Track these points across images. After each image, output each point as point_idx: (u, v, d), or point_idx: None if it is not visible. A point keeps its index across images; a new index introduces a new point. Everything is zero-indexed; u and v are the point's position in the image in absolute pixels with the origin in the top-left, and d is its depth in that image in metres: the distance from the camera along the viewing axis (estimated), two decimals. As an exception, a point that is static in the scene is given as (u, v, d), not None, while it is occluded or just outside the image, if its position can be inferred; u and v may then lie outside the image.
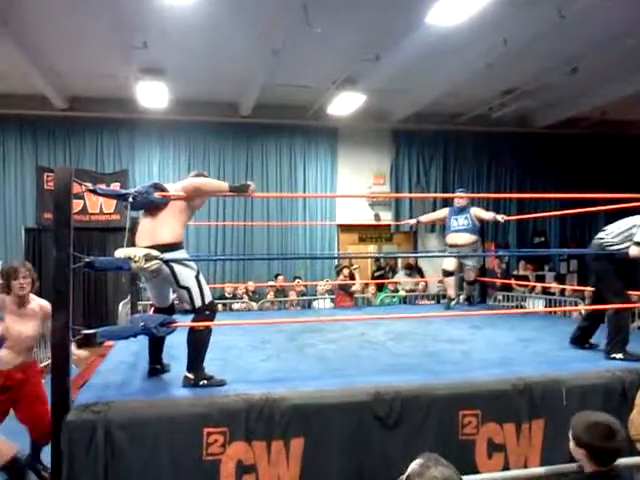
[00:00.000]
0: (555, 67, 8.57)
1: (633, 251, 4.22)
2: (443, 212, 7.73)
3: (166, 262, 3.49)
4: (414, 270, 11.18)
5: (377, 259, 11.81)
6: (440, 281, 10.78)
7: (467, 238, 7.18)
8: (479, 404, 3.37)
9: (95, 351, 5.14)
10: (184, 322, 3.62)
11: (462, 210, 7.32)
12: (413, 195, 12.43)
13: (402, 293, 9.68)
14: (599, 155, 12.22)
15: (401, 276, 11.04)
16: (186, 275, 3.55)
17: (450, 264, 7.45)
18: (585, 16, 6.67)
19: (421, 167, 12.10)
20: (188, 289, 3.55)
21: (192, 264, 3.64)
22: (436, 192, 11.98)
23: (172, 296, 3.93)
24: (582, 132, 12.00)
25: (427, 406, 3.31)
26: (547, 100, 10.57)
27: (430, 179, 12.10)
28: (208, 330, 3.56)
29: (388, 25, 7.19)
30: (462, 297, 7.79)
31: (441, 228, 11.99)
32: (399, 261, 11.65)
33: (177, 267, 3.53)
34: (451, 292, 7.43)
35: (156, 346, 3.83)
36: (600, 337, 4.56)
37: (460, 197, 7.54)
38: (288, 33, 7.14)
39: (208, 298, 3.62)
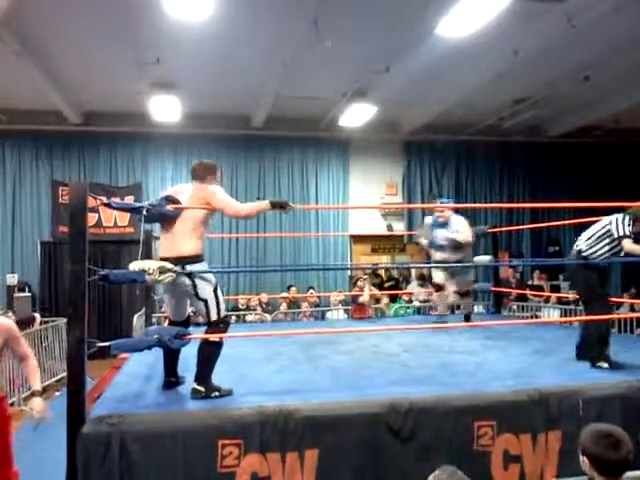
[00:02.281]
0: (567, 76, 8.55)
1: (627, 245, 4.29)
2: (427, 224, 6.85)
3: (188, 274, 3.52)
4: (427, 280, 11.13)
5: (387, 270, 11.79)
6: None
7: (453, 255, 6.46)
8: (494, 415, 3.34)
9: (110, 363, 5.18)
10: (198, 334, 3.63)
11: (444, 225, 6.55)
12: (425, 205, 12.41)
13: (416, 304, 9.64)
14: (613, 163, 12.15)
15: (414, 287, 10.99)
16: (205, 288, 3.58)
17: (440, 277, 6.72)
18: (596, 25, 6.65)
19: (433, 177, 12.11)
20: (206, 302, 3.59)
21: (211, 277, 3.67)
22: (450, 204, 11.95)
23: (189, 309, 3.95)
24: (595, 140, 11.95)
25: (442, 418, 3.29)
26: (559, 109, 10.55)
27: (442, 189, 12.10)
28: (220, 343, 3.59)
29: (398, 37, 7.22)
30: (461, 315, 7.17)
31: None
32: (412, 272, 11.62)
33: (198, 279, 3.56)
34: (442, 308, 6.86)
35: (171, 359, 3.85)
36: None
37: (443, 207, 6.69)
38: (298, 46, 7.20)
39: (223, 312, 3.66)
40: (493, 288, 7.68)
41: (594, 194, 9.55)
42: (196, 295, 3.58)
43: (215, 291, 3.63)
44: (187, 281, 3.54)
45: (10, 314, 8.75)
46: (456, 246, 6.42)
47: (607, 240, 4.39)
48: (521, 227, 11.28)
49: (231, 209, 3.75)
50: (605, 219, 4.50)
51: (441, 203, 7.27)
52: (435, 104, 9.95)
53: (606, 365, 4.20)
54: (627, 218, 4.36)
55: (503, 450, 3.31)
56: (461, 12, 5.97)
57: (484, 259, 7.64)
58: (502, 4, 5.84)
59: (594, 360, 4.26)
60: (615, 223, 4.38)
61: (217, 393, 3.50)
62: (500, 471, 3.29)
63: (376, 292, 8.77)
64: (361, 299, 8.14)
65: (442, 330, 6.07)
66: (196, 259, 3.61)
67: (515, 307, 8.97)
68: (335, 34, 6.99)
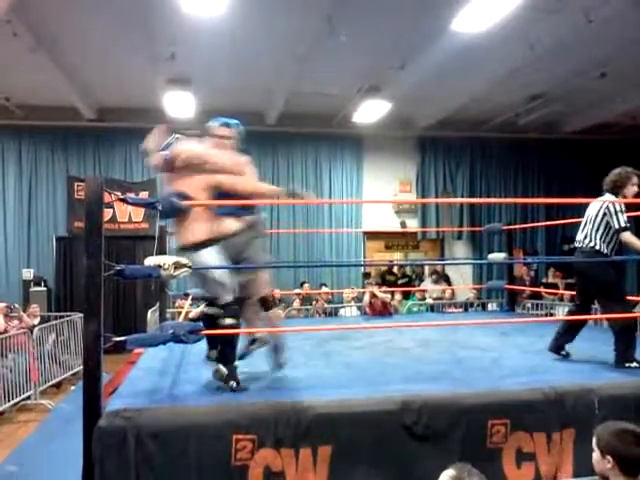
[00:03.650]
0: (583, 72, 8.48)
1: (625, 237, 4.19)
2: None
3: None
4: (441, 278, 11.10)
5: (401, 267, 11.77)
6: (476, 289, 10.53)
7: (228, 226, 3.82)
8: (508, 413, 3.32)
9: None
10: (212, 330, 3.64)
11: None
12: (439, 200, 12.38)
13: (429, 301, 9.61)
14: (629, 160, 11.75)
15: (428, 284, 10.97)
16: (214, 274, 3.61)
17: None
18: (613, 20, 6.59)
19: (447, 174, 12.07)
20: (223, 285, 3.64)
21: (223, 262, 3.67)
22: (463, 199, 11.92)
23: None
24: (611, 137, 11.84)
25: (455, 415, 3.28)
26: (575, 105, 10.46)
27: (457, 186, 12.06)
28: (238, 322, 3.65)
29: (413, 33, 7.20)
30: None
31: (468, 235, 11.93)
32: (426, 268, 11.58)
33: (205, 263, 3.58)
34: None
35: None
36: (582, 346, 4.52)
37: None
38: (313, 42, 7.20)
39: (235, 294, 3.72)
40: (507, 286, 7.63)
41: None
42: (213, 277, 3.61)
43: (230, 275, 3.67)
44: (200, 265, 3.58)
45: (36, 306, 8.87)
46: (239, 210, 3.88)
47: (611, 231, 4.26)
48: (536, 224, 11.20)
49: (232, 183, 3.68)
50: (596, 208, 4.35)
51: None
52: (450, 100, 9.90)
53: (635, 364, 4.10)
54: (620, 207, 4.24)
55: (516, 448, 3.29)
56: (476, 7, 5.95)
57: (498, 256, 7.60)
58: (518, -1, 5.81)
59: (624, 361, 4.14)
60: (610, 213, 4.23)
61: (234, 384, 3.51)
62: (513, 469, 3.27)
63: (381, 294, 8.44)
64: (364, 299, 8.10)
65: (456, 327, 6.04)
66: (204, 244, 3.60)
67: (529, 305, 8.92)
68: (349, 30, 6.98)
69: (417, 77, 8.52)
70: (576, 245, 4.57)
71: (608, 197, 4.37)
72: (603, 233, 4.30)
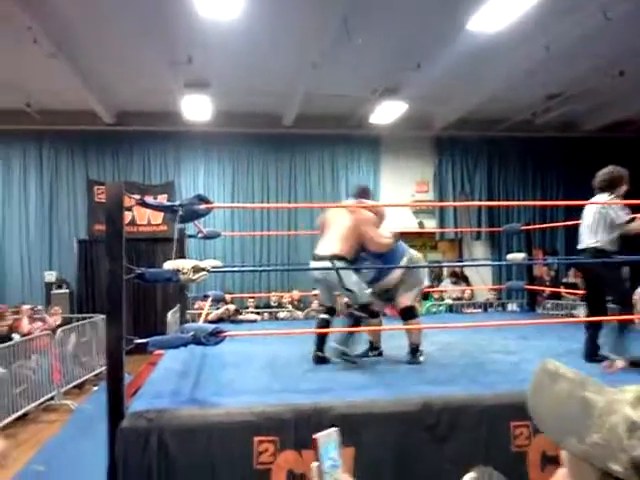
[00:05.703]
0: (601, 70, 8.39)
1: (637, 225, 4.25)
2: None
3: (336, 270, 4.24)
4: (460, 278, 11.05)
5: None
6: (496, 289, 10.49)
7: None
8: (529, 415, 3.30)
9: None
10: (234, 332, 3.67)
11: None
12: (457, 203, 12.31)
13: (448, 302, 9.56)
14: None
15: (447, 284, 10.92)
16: (351, 281, 4.25)
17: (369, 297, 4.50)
18: (632, 17, 6.53)
19: (465, 174, 12.01)
20: (353, 292, 4.25)
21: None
22: (480, 199, 11.86)
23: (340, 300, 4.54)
24: (630, 135, 11.70)
25: (477, 417, 3.27)
26: (593, 104, 10.36)
27: (474, 186, 11.99)
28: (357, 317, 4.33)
29: (429, 33, 7.18)
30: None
31: (487, 235, 11.85)
32: (444, 269, 11.53)
33: (343, 273, 4.23)
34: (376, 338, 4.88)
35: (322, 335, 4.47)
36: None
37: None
38: (329, 44, 7.20)
39: (367, 299, 4.34)
40: (527, 286, 7.58)
41: (630, 190, 9.34)
42: (342, 286, 4.24)
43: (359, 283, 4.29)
44: (334, 275, 4.22)
45: (57, 308, 9.00)
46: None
47: (615, 229, 4.30)
48: (555, 224, 11.09)
49: (373, 243, 4.39)
50: (595, 208, 4.41)
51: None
52: (467, 100, 9.86)
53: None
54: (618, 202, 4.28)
55: (540, 451, 3.26)
56: (493, 7, 5.92)
57: (518, 257, 7.55)
58: (535, -2, 5.77)
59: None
60: (608, 212, 4.29)
61: (347, 357, 4.28)
62: (537, 472, 3.25)
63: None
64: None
65: (476, 329, 6.01)
66: (343, 258, 4.28)
67: (549, 305, 8.84)
68: (365, 31, 6.98)
69: (433, 77, 8.49)
70: (580, 247, 4.56)
71: (603, 197, 4.38)
72: (604, 232, 4.32)
